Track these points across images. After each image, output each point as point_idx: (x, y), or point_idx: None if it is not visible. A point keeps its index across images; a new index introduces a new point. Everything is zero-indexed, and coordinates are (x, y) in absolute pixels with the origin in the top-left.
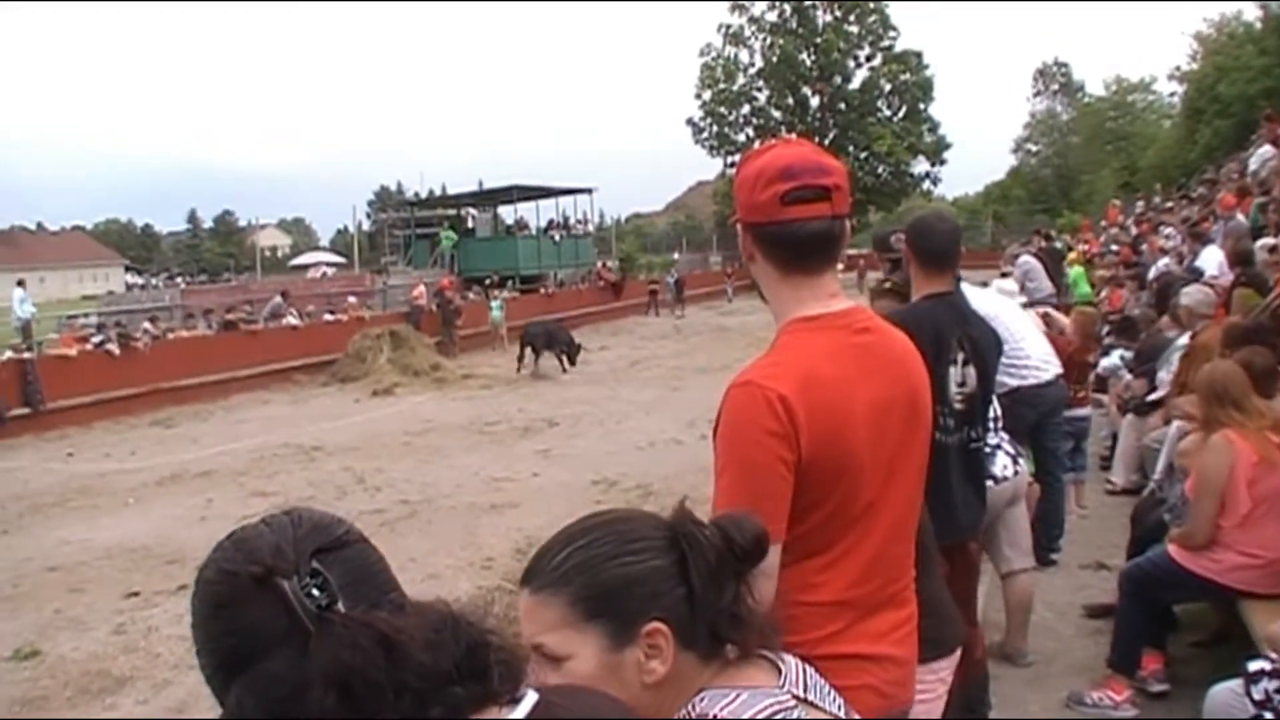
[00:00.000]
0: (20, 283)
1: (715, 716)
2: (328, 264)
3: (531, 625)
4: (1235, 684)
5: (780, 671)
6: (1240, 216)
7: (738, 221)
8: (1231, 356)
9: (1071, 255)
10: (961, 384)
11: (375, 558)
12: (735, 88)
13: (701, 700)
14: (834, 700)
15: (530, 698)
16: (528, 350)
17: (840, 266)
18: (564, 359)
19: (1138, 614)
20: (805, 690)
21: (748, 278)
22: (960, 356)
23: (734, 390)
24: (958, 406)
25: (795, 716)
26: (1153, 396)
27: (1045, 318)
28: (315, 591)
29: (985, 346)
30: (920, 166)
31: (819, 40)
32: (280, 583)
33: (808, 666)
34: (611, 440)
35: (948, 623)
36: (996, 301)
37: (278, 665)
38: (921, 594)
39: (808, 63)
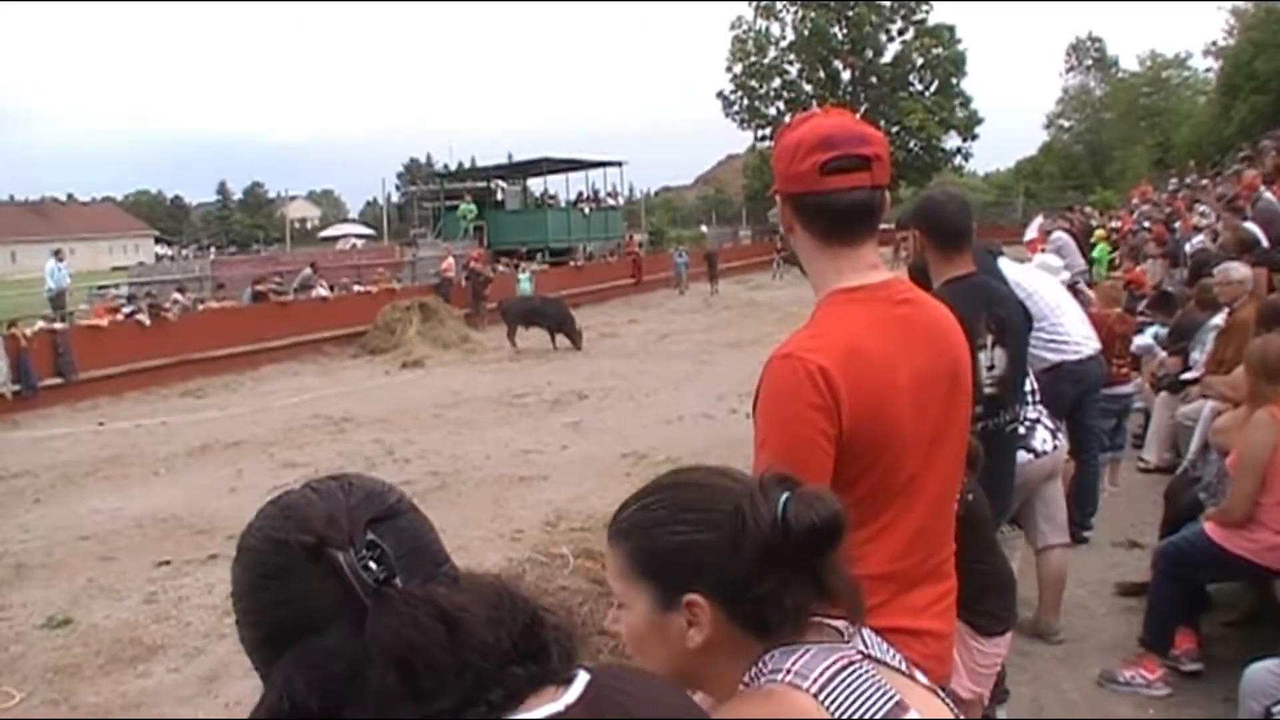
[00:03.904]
0: (56, 253)
1: (788, 669)
2: (357, 236)
3: (607, 567)
4: (1272, 663)
5: (842, 633)
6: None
7: (777, 192)
8: (1266, 335)
9: (1099, 233)
10: (991, 367)
11: (427, 528)
12: (766, 61)
13: (771, 658)
14: (896, 658)
15: (582, 678)
16: (519, 327)
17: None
18: (555, 336)
19: (1171, 592)
20: (869, 648)
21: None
22: (989, 339)
23: (774, 363)
24: (988, 391)
25: (866, 669)
26: (1187, 375)
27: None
28: (372, 564)
29: (1014, 324)
30: (952, 142)
31: (850, 13)
32: (334, 554)
33: (865, 628)
34: (641, 413)
35: (1013, 599)
36: (1035, 277)
37: (330, 641)
38: (1001, 570)
39: (839, 36)
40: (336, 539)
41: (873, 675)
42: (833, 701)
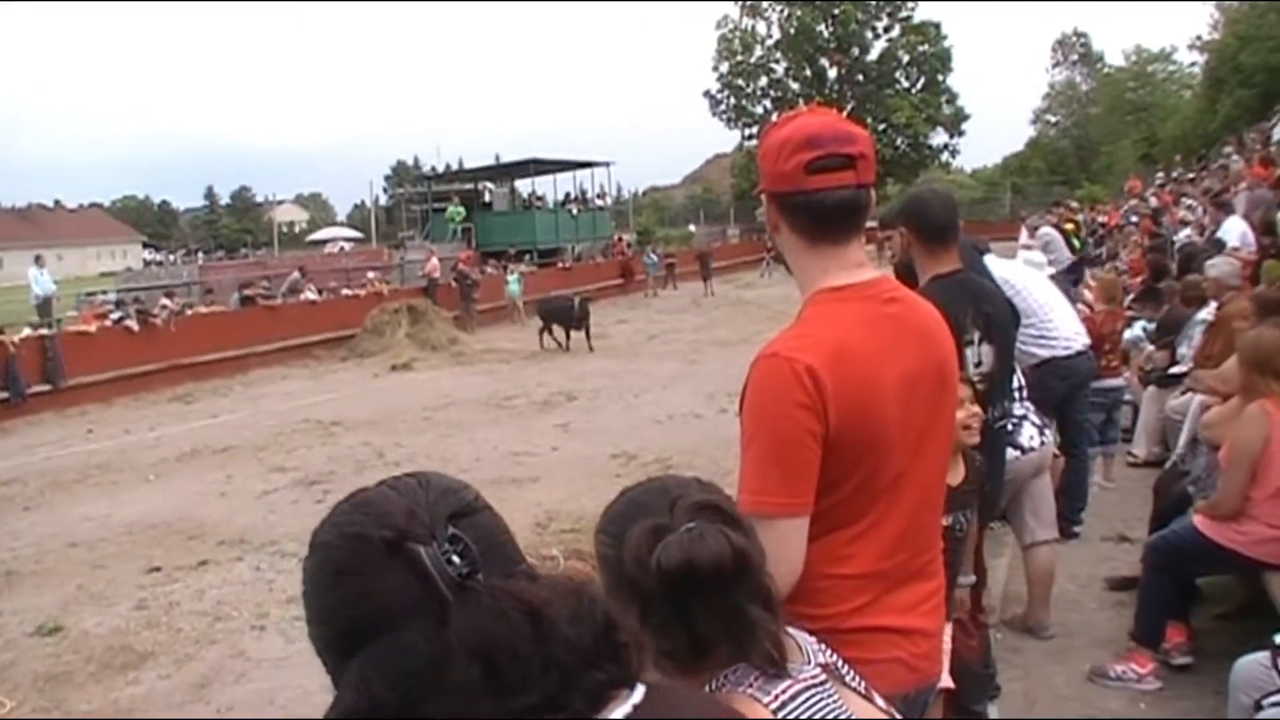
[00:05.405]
0: (38, 259)
1: (751, 682)
2: (345, 239)
3: None
4: (1262, 656)
5: (800, 648)
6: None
7: (763, 191)
8: (1259, 326)
9: (1068, 227)
10: (978, 364)
11: (502, 525)
12: (753, 59)
13: (735, 671)
14: (851, 674)
15: (640, 689)
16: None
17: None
18: (589, 335)
19: (1162, 586)
20: (830, 665)
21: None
22: (975, 335)
23: (761, 362)
24: (977, 388)
25: (826, 692)
26: (1175, 370)
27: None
28: (455, 558)
29: (1001, 321)
30: (939, 138)
31: (836, 11)
32: (415, 549)
33: (821, 644)
34: (631, 414)
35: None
36: (1024, 274)
37: (411, 637)
38: None
39: (825, 34)
40: (418, 533)
41: (832, 698)
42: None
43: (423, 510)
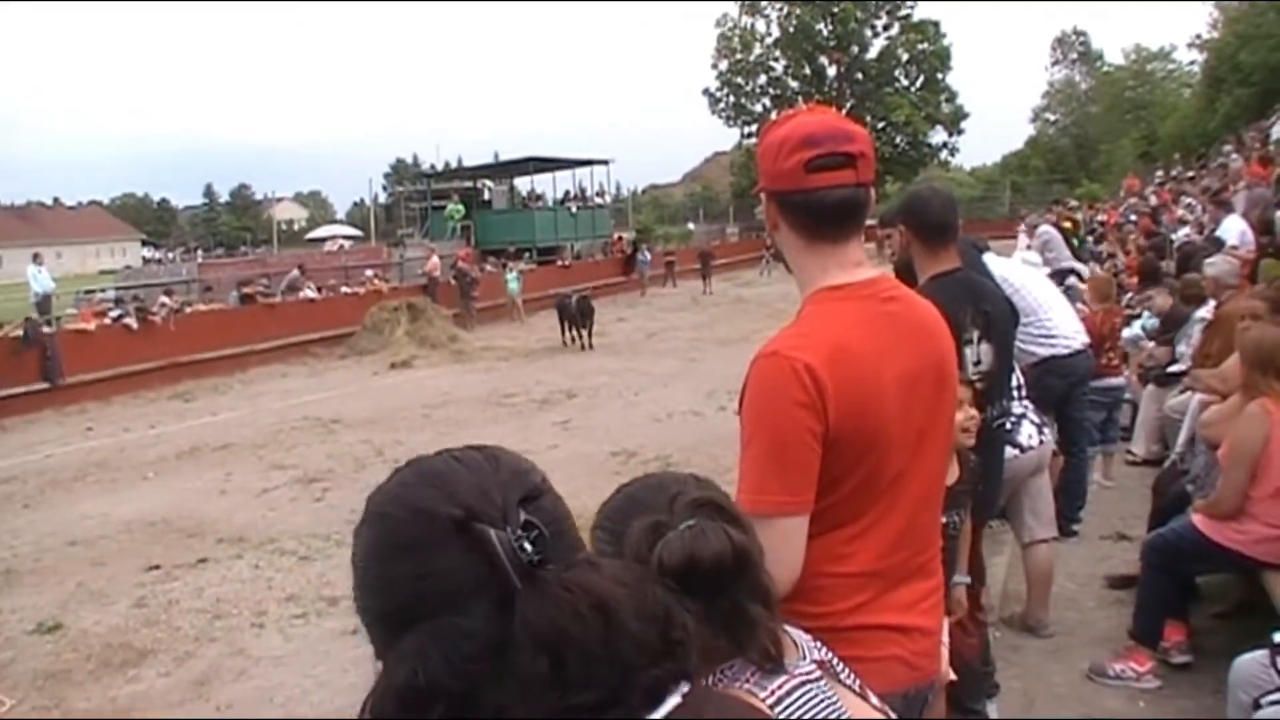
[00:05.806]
0: (36, 257)
1: (748, 678)
2: (344, 237)
3: None
4: (1261, 655)
5: (796, 644)
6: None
7: (761, 190)
8: (1262, 325)
9: (1067, 225)
10: (978, 362)
11: (565, 511)
12: (752, 58)
13: (731, 667)
14: (846, 672)
15: (684, 687)
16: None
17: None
18: (591, 334)
19: (1161, 585)
20: (826, 663)
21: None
22: (975, 334)
23: (760, 361)
24: (977, 388)
25: (822, 688)
26: (1174, 368)
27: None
28: (527, 545)
29: (1000, 320)
30: (938, 136)
31: (836, 10)
32: (485, 531)
33: (817, 641)
34: (630, 412)
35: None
36: (1023, 272)
37: (470, 620)
38: None
39: (825, 32)
40: (488, 514)
41: (828, 694)
42: (786, 714)
43: (494, 490)
